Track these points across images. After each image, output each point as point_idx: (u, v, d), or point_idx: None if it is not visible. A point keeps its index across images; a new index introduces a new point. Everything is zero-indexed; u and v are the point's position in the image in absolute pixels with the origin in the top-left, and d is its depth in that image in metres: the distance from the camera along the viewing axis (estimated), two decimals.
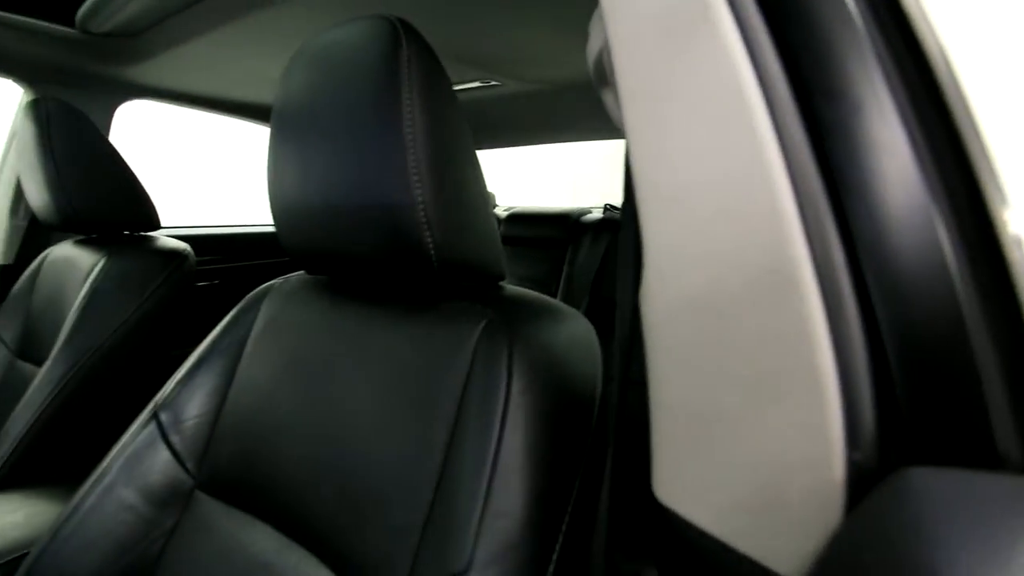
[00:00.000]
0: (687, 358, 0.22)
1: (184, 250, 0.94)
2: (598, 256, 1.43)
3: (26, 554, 0.52)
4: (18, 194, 1.21)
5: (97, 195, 0.89)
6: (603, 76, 0.31)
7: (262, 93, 1.38)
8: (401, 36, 0.40)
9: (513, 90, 1.29)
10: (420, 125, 0.39)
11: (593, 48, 0.32)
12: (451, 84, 0.44)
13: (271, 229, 1.83)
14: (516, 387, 0.36)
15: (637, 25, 0.24)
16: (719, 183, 0.21)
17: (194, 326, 0.96)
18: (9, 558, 0.56)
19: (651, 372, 0.24)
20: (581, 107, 1.42)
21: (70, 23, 0.98)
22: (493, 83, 1.22)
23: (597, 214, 1.67)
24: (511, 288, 0.50)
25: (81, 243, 0.99)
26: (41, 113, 0.87)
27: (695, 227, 0.22)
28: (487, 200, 0.47)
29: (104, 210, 0.91)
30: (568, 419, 0.37)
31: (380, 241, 0.42)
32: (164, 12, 0.91)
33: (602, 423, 0.39)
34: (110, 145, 0.93)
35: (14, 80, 1.10)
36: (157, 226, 0.98)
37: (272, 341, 0.55)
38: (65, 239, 1.09)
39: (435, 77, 0.42)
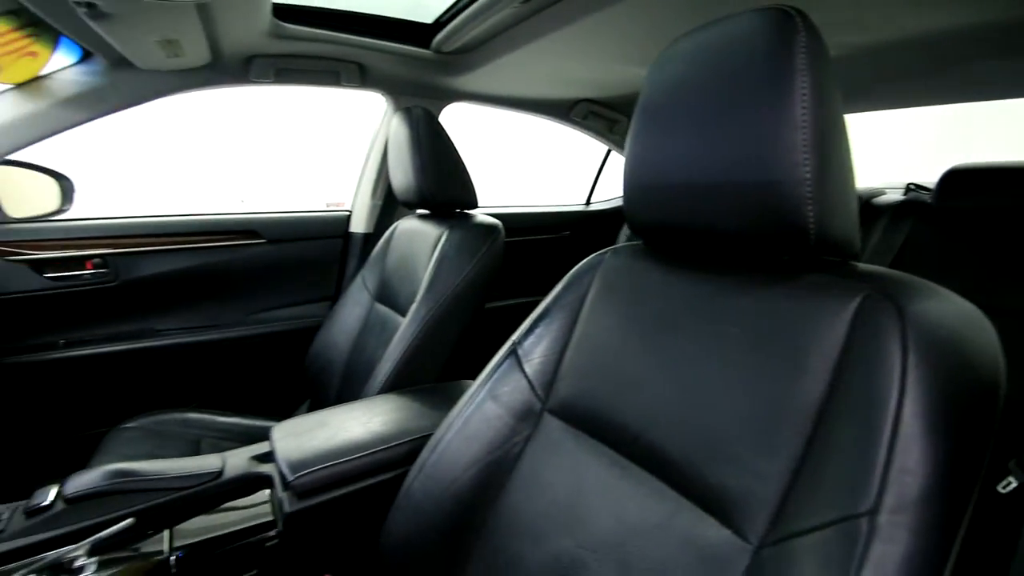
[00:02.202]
0: None
1: (498, 225, 1.15)
2: (895, 244, 1.24)
3: (429, 435, 0.74)
4: (376, 180, 1.62)
5: (445, 180, 1.15)
6: None
7: (561, 90, 1.56)
8: (798, 23, 0.43)
9: None
10: (812, 105, 0.42)
11: None
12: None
13: (528, 210, 2.07)
14: (912, 360, 0.37)
15: None
16: None
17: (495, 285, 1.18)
18: (420, 435, 0.80)
19: None
20: (886, 73, 1.24)
21: (427, 46, 1.27)
22: None
23: (894, 195, 1.44)
24: (865, 265, 0.50)
25: (422, 218, 1.28)
26: (412, 117, 1.15)
27: None
28: (854, 175, 0.48)
29: (447, 192, 1.17)
30: (972, 396, 0.37)
31: (753, 216, 0.47)
32: (496, 30, 1.11)
33: None
34: (452, 141, 1.19)
35: (383, 94, 1.48)
36: (476, 205, 1.22)
37: (610, 301, 0.65)
38: (407, 215, 1.42)
39: (824, 58, 0.44)
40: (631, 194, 0.60)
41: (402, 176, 1.20)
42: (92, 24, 0.85)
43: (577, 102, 1.77)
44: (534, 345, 0.70)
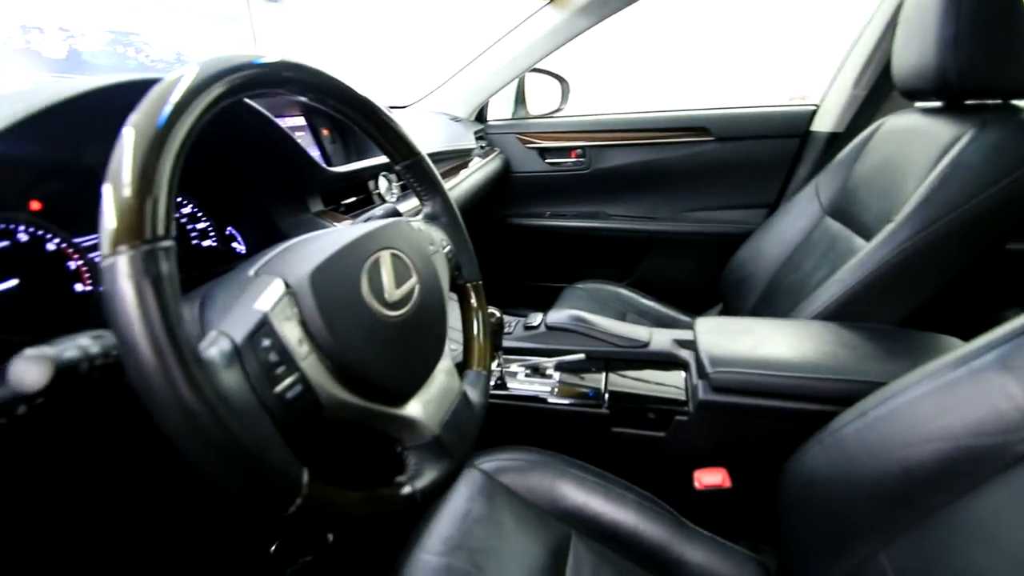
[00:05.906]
0: None
1: None
2: None
3: (872, 382, 0.60)
4: (865, 64, 1.31)
5: (988, 58, 0.80)
6: None
7: None
8: None
9: None
10: None
11: None
12: None
13: None
14: None
15: None
16: None
17: None
18: (860, 379, 0.68)
19: None
20: None
21: None
22: None
23: None
24: None
25: (931, 112, 0.96)
26: None
27: None
28: None
29: (989, 74, 0.81)
30: None
31: None
32: None
33: None
34: None
35: None
36: None
37: None
38: (900, 111, 1.09)
39: None
40: None
41: (916, 53, 0.90)
42: None
43: None
44: None
